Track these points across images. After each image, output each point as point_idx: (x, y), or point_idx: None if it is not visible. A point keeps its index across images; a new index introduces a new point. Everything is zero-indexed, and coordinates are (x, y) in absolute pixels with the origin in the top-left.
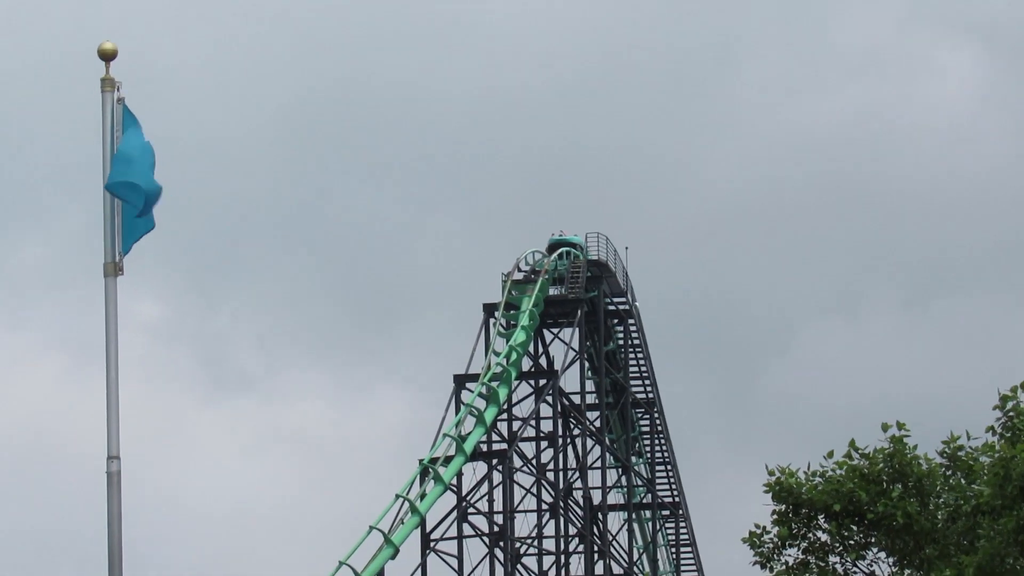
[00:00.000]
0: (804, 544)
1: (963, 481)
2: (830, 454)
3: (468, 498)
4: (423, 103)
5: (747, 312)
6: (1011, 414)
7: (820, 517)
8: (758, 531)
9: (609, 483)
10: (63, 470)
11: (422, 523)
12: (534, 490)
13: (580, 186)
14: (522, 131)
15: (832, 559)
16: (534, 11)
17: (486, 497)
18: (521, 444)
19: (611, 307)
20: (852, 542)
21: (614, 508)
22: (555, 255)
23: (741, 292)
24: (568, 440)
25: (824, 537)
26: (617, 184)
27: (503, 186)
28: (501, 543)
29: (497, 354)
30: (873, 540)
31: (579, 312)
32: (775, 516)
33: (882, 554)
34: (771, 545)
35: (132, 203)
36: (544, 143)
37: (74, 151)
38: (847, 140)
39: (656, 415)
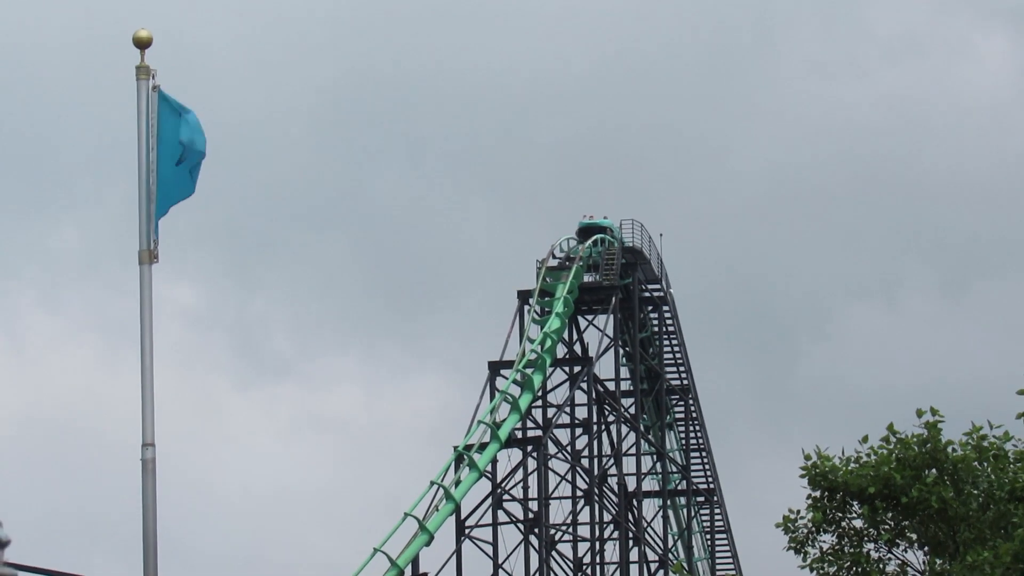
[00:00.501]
0: (838, 530)
1: (989, 471)
2: (864, 439)
3: (503, 485)
4: (458, 88)
5: (784, 297)
6: None
7: (855, 503)
8: (792, 516)
9: (644, 470)
10: (98, 456)
11: (457, 510)
12: (569, 477)
13: (615, 172)
14: (557, 116)
15: (867, 546)
16: None
17: (521, 484)
18: (556, 431)
19: (646, 294)
20: (886, 527)
21: (649, 495)
22: (589, 242)
23: (777, 277)
24: (603, 427)
25: (859, 523)
26: (652, 170)
27: (537, 172)
28: (536, 530)
29: (532, 341)
30: (907, 526)
31: (613, 299)
32: (810, 501)
33: (914, 537)
34: (805, 531)
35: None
36: (579, 129)
37: (110, 138)
38: (884, 124)
39: (691, 401)
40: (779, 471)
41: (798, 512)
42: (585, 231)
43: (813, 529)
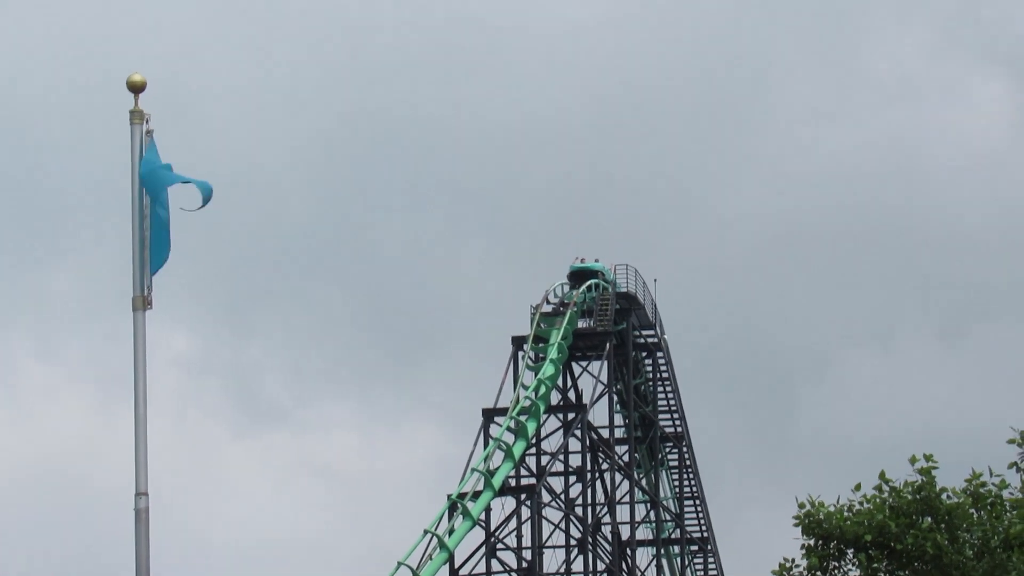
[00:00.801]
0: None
1: (985, 518)
2: (857, 487)
3: (496, 533)
4: (452, 134)
5: (781, 344)
6: None
7: (849, 551)
8: (787, 564)
9: (638, 518)
10: (94, 505)
11: (450, 559)
12: (563, 525)
13: (610, 217)
14: (552, 162)
15: None
16: (562, 40)
17: (515, 532)
18: (550, 479)
19: (640, 340)
20: (882, 573)
21: (643, 543)
22: (584, 287)
23: (774, 324)
24: (597, 474)
25: (854, 572)
26: (647, 215)
27: (533, 218)
28: None
29: (526, 387)
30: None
31: (608, 345)
32: (804, 550)
33: None
34: None
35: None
36: (574, 174)
37: (107, 183)
38: (879, 169)
39: (685, 449)
40: (776, 520)
41: (792, 560)
42: (577, 275)
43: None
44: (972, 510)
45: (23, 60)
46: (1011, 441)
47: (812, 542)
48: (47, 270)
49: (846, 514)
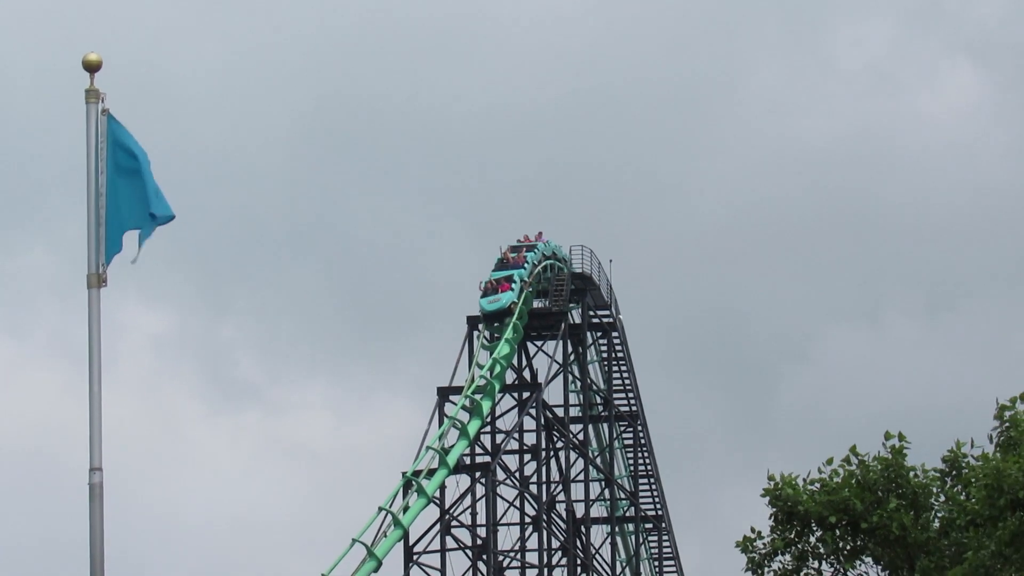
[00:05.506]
0: (797, 552)
1: (957, 493)
2: (829, 460)
3: (451, 511)
4: (424, 116)
5: (761, 324)
6: (1007, 424)
7: (816, 529)
8: (753, 536)
9: (592, 496)
10: (62, 482)
11: (405, 536)
12: (517, 503)
13: (573, 200)
14: (522, 146)
15: (825, 568)
16: (534, 27)
17: (469, 510)
18: (504, 457)
19: (595, 320)
20: (847, 550)
21: (597, 521)
22: (540, 268)
23: (754, 304)
24: (551, 453)
25: (819, 546)
26: (621, 201)
27: (501, 199)
28: (484, 556)
29: (481, 367)
30: (867, 547)
31: (563, 325)
32: (772, 522)
33: (871, 560)
34: (764, 551)
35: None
36: (544, 158)
37: (62, 161)
38: (845, 156)
39: (639, 428)
40: (754, 499)
41: (758, 532)
42: (493, 315)
43: (772, 551)
44: (947, 479)
45: None
46: (996, 416)
47: (779, 515)
48: (15, 247)
49: (813, 487)
